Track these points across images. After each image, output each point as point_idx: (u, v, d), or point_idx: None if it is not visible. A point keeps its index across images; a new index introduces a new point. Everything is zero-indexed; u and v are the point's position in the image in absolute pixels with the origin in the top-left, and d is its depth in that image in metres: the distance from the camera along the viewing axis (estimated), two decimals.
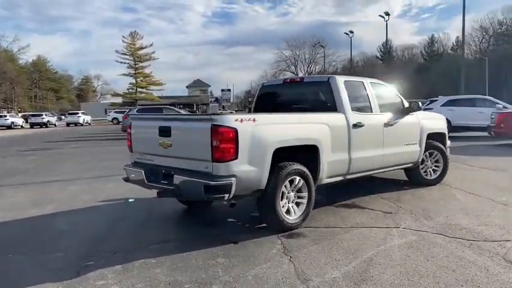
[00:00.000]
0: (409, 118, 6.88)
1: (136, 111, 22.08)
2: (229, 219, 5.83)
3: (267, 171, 4.77)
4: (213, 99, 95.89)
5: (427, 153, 7.43)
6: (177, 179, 4.70)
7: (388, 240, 4.68)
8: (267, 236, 4.89)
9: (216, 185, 4.40)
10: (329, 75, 6.08)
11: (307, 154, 5.28)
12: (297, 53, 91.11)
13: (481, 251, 4.29)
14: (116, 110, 55.82)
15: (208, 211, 6.24)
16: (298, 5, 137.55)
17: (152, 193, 5.44)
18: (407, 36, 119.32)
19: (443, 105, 17.74)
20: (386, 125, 6.45)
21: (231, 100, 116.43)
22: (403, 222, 5.33)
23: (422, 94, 48.56)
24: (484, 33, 76.51)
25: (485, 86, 53.44)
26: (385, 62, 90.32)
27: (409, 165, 7.17)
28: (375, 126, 6.25)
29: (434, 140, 7.49)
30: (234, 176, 4.46)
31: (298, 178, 5.10)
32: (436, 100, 18.71)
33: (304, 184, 5.19)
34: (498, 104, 17.45)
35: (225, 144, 4.40)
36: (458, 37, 79.46)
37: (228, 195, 4.45)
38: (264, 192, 4.80)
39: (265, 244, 4.63)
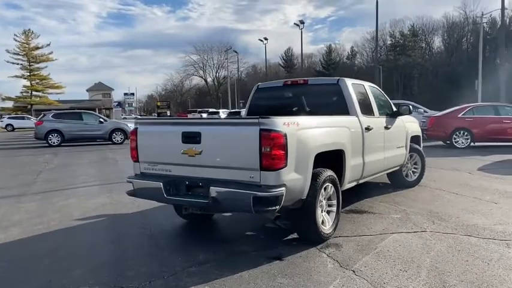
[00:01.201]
0: (398, 121, 6.96)
1: (52, 117, 19.99)
2: (248, 233, 5.35)
3: (309, 178, 4.42)
4: (115, 104, 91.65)
5: (408, 155, 7.60)
6: (215, 191, 4.13)
7: (431, 245, 4.57)
8: (305, 249, 4.51)
9: (267, 196, 3.94)
10: (338, 78, 5.88)
11: (333, 159, 5.02)
12: (205, 57, 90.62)
13: None
14: (11, 116, 50.46)
15: (210, 224, 5.71)
16: (198, 10, 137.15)
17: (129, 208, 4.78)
18: (303, 45, 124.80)
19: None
20: (386, 128, 6.44)
21: (134, 104, 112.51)
22: (424, 225, 5.31)
23: None
24: (375, 44, 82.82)
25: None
26: (288, 69, 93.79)
27: (397, 167, 7.26)
28: (379, 130, 6.20)
29: (413, 142, 7.69)
30: (283, 185, 4.04)
31: (330, 185, 4.82)
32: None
33: (334, 191, 4.92)
34: (419, 108, 18.90)
35: (276, 150, 3.96)
36: (353, 47, 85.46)
37: (278, 207, 4.02)
38: (305, 201, 4.45)
39: (313, 258, 4.26)
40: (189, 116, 49.67)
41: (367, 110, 6.03)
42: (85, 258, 4.44)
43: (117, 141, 20.52)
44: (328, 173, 4.73)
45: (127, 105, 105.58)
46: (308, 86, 6.13)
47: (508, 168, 9.99)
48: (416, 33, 74.56)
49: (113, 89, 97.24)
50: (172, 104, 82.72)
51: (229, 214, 6.01)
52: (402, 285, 3.59)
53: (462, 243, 4.62)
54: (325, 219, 4.79)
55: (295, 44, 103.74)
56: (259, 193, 3.93)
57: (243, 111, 27.39)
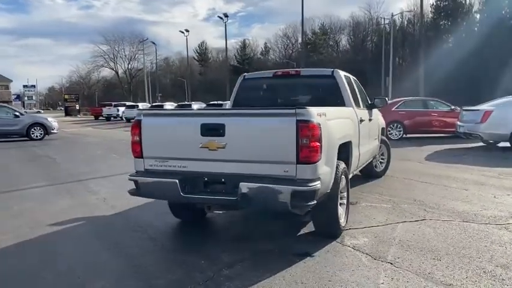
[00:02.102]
0: (374, 113, 7.11)
1: None
2: (258, 229, 5.09)
3: (334, 171, 4.31)
4: (14, 97, 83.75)
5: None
6: (246, 186, 3.84)
7: (442, 233, 4.68)
8: (327, 243, 4.39)
9: (306, 190, 3.75)
10: (331, 69, 5.82)
11: (340, 151, 4.96)
12: (116, 48, 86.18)
13: None
14: None
15: (207, 223, 5.38)
16: None
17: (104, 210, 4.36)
18: (213, 39, 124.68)
19: None
20: (369, 120, 6.54)
21: (34, 98, 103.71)
22: (419, 213, 5.45)
23: None
24: (287, 40, 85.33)
25: None
26: (202, 62, 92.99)
27: (372, 159, 7.43)
28: (367, 121, 6.27)
29: (381, 134, 7.92)
30: (319, 179, 3.88)
31: (343, 177, 4.75)
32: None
33: (345, 184, 4.86)
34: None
35: (313, 142, 3.77)
36: (266, 43, 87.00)
37: (315, 202, 3.85)
38: (329, 195, 4.32)
39: (342, 252, 4.15)
40: (104, 109, 47.12)
41: (356, 102, 6.06)
42: (96, 269, 3.91)
43: (36, 136, 18.69)
44: (343, 165, 4.65)
45: (26, 98, 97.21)
46: (300, 77, 5.99)
47: (450, 157, 10.76)
48: (326, 32, 78.00)
49: (11, 81, 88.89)
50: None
51: (221, 212, 5.70)
52: (447, 275, 3.61)
53: (468, 230, 4.80)
54: (340, 212, 4.71)
55: (206, 38, 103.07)
56: (299, 187, 3.73)
57: (196, 105, 26.14)
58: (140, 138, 4.34)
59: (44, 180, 8.44)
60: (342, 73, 5.83)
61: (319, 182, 3.85)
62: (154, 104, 37.46)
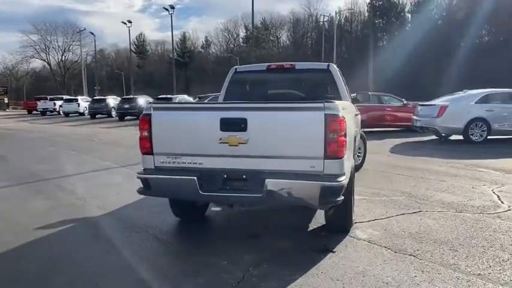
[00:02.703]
0: (355, 108, 7.20)
1: None
2: (264, 225, 4.95)
3: (351, 166, 4.29)
4: None
5: None
6: (272, 183, 3.71)
7: (446, 224, 4.83)
8: (341, 237, 4.39)
9: (336, 186, 3.69)
10: (327, 63, 5.80)
11: None
12: (48, 38, 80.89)
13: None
14: None
15: (209, 221, 5.18)
16: None
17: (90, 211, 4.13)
18: (150, 32, 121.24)
19: None
20: (356, 114, 6.60)
21: None
22: (412, 205, 5.59)
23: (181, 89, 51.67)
24: (229, 35, 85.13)
25: None
26: (140, 55, 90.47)
27: None
28: (356, 115, 6.33)
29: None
30: (344, 174, 3.84)
31: (353, 171, 4.75)
32: None
33: (353, 178, 4.87)
34: None
35: (341, 137, 3.71)
36: (207, 37, 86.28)
37: (342, 197, 3.81)
38: (346, 189, 4.29)
39: (361, 247, 4.14)
40: (39, 103, 44.18)
41: (348, 96, 6.09)
42: (111, 274, 3.62)
43: None
44: (352, 159, 4.65)
45: None
46: (295, 71, 5.90)
47: (411, 150, 11.23)
48: (267, 27, 78.64)
49: None
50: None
51: (219, 209, 5.53)
52: (470, 265, 3.70)
53: (466, 220, 4.98)
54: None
55: (142, 30, 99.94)
56: (328, 183, 3.67)
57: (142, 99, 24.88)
58: (150, 134, 4.07)
59: (5, 180, 7.74)
60: (335, 67, 5.83)
61: (345, 177, 3.81)
62: (96, 98, 35.48)
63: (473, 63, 43.91)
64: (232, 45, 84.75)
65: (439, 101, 13.02)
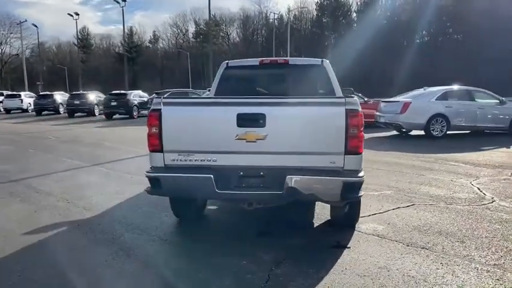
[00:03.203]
0: None
1: None
2: (269, 223, 4.87)
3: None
4: None
5: None
6: (294, 180, 3.64)
7: (443, 217, 4.98)
8: (351, 233, 4.43)
9: (357, 181, 3.71)
10: (320, 59, 5.78)
11: None
12: None
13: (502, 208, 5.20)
14: None
15: (209, 220, 5.03)
16: None
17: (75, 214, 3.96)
18: (92, 25, 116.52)
19: None
20: None
21: None
22: (403, 199, 5.74)
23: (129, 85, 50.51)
24: (177, 30, 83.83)
25: (188, 77, 59.40)
26: (84, 49, 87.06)
27: None
28: None
29: None
30: (362, 169, 3.85)
31: None
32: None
33: None
34: None
35: (360, 132, 3.74)
36: (155, 32, 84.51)
37: (362, 193, 3.81)
38: None
39: (374, 241, 4.18)
40: None
41: (341, 92, 6.11)
42: (127, 280, 3.40)
43: None
44: None
45: None
46: (289, 66, 5.83)
47: (379, 145, 11.49)
48: (218, 23, 78.03)
49: None
50: None
51: (215, 207, 5.39)
52: (483, 255, 3.84)
53: (460, 212, 5.15)
54: None
55: (84, 23, 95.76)
56: (350, 179, 3.66)
57: (93, 94, 23.69)
58: (160, 130, 3.86)
59: None
60: (328, 62, 5.83)
61: (363, 172, 3.81)
62: (42, 93, 33.35)
63: (417, 62, 45.94)
64: (181, 41, 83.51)
65: (401, 98, 13.46)
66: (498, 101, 13.16)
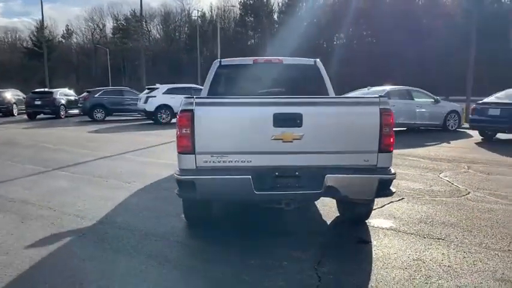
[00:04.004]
0: None
1: None
2: (283, 222, 4.87)
3: None
4: None
5: None
6: (333, 178, 3.71)
7: (440, 210, 5.31)
8: (365, 228, 4.60)
9: (391, 179, 3.90)
10: (313, 59, 5.89)
11: None
12: None
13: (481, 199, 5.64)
14: None
15: (218, 222, 4.91)
16: None
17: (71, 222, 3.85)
18: None
19: (165, 92, 18.54)
20: None
21: None
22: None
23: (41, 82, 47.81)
24: (94, 25, 79.97)
25: (108, 74, 57.12)
26: None
27: None
28: None
29: None
30: (391, 166, 4.01)
31: None
32: (156, 88, 19.00)
33: None
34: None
35: (392, 131, 3.88)
36: (68, 26, 79.94)
37: (394, 190, 3.97)
38: None
39: (393, 236, 4.35)
40: None
41: (333, 91, 6.27)
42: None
43: None
44: None
45: None
46: (283, 65, 5.90)
47: None
48: (138, 19, 75.39)
49: None
50: None
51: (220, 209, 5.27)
52: (495, 242, 4.17)
53: (449, 204, 5.52)
54: None
55: None
56: (385, 176, 3.81)
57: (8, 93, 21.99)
58: (192, 131, 3.71)
59: None
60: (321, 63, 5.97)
61: (394, 169, 3.97)
62: (36, 90, 28.79)
63: (336, 63, 48.16)
64: (98, 36, 79.62)
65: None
66: (433, 100, 14.29)
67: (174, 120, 18.62)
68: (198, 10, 64.41)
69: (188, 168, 3.79)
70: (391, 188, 3.91)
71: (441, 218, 4.94)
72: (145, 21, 77.09)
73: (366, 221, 4.76)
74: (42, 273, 3.50)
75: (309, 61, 5.93)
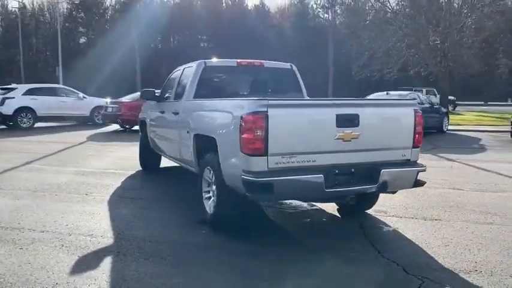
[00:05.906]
0: None
1: None
2: (308, 226, 5.01)
3: None
4: None
5: None
6: (387, 173, 4.11)
7: (434, 194, 5.83)
8: (380, 217, 5.03)
9: (424, 170, 4.41)
10: (289, 63, 6.29)
11: None
12: None
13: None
14: None
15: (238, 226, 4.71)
16: None
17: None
18: None
19: (25, 93, 16.69)
20: None
21: None
22: None
23: None
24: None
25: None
26: None
27: None
28: None
29: None
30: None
31: None
32: (13, 88, 16.33)
33: None
34: (78, 93, 17.87)
35: (421, 129, 4.42)
36: None
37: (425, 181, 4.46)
38: None
39: (411, 223, 4.84)
40: None
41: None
42: None
43: None
44: None
45: None
46: (263, 68, 6.15)
47: None
48: None
49: None
50: None
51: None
52: (507, 223, 4.83)
53: (442, 194, 6.07)
54: None
55: None
56: (421, 168, 4.37)
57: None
58: (266, 133, 3.68)
59: None
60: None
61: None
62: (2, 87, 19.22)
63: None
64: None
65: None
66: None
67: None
68: (19, 1, 57.19)
69: (259, 170, 3.74)
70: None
71: (443, 203, 5.58)
72: None
73: (372, 211, 5.14)
74: None
75: (286, 65, 6.30)
